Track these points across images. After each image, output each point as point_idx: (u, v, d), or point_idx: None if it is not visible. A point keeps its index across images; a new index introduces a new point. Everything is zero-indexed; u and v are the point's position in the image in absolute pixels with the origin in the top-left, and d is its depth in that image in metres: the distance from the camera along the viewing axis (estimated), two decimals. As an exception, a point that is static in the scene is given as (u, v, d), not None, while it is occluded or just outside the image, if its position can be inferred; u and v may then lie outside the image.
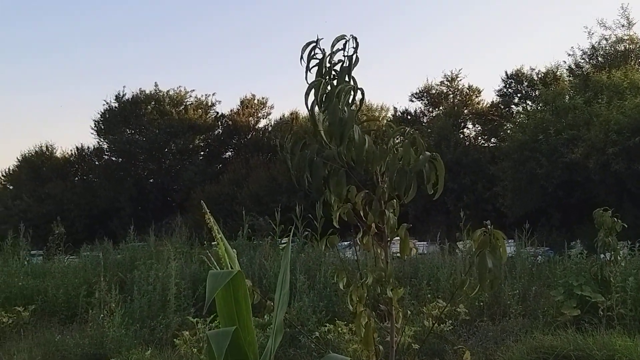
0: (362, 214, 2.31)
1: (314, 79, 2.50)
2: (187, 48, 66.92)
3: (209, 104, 40.84)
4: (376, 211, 2.27)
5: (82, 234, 25.97)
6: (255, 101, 41.19)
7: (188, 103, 39.92)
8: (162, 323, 7.29)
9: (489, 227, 2.01)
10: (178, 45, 66.28)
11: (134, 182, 37.82)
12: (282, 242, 12.29)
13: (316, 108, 2.25)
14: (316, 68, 2.53)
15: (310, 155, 2.22)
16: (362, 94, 2.39)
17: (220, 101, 41.52)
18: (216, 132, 40.85)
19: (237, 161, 36.80)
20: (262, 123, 41.28)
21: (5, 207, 36.61)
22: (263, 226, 13.32)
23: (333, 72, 2.45)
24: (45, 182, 38.06)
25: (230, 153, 40.87)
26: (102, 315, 7.33)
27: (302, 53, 2.52)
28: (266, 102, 41.53)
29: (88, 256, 12.01)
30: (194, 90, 40.54)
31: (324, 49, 2.54)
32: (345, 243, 11.95)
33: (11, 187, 41.04)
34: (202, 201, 1.84)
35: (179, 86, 40.07)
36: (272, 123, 40.33)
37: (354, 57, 2.45)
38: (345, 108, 2.25)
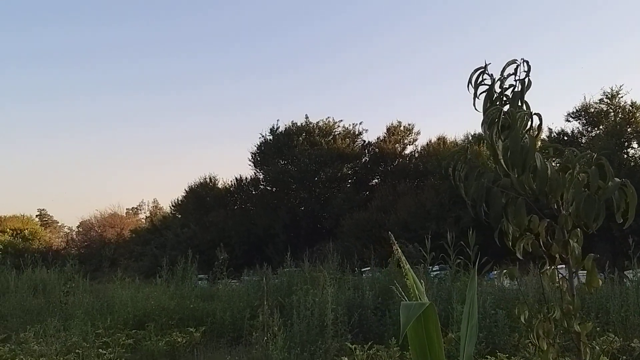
0: (542, 244, 2.21)
1: (481, 106, 2.46)
2: (336, 78, 69.50)
3: (356, 132, 41.83)
4: (559, 241, 2.15)
5: (241, 260, 27.64)
6: (402, 128, 41.31)
7: (336, 133, 41.21)
8: (321, 348, 7.46)
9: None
10: (328, 76, 69.15)
11: (287, 210, 39.52)
12: (434, 269, 12.03)
13: (494, 136, 2.21)
14: (484, 94, 2.49)
15: (487, 184, 2.18)
16: (540, 119, 2.31)
17: (367, 130, 42.33)
18: (363, 160, 41.55)
19: (384, 188, 36.97)
20: (409, 149, 41.23)
21: (175, 235, 40.19)
22: (413, 253, 13.20)
23: (504, 98, 2.39)
24: (208, 210, 41.22)
25: (377, 180, 41.24)
26: (265, 338, 7.70)
27: (470, 79, 2.49)
28: (412, 128, 41.49)
29: (249, 281, 12.72)
30: (341, 120, 41.84)
31: (492, 74, 2.49)
32: (494, 272, 11.41)
33: (180, 216, 45.04)
34: (389, 232, 1.87)
35: (328, 117, 41.61)
36: (419, 149, 40.06)
37: (526, 80, 2.37)
38: (526, 135, 2.18)
